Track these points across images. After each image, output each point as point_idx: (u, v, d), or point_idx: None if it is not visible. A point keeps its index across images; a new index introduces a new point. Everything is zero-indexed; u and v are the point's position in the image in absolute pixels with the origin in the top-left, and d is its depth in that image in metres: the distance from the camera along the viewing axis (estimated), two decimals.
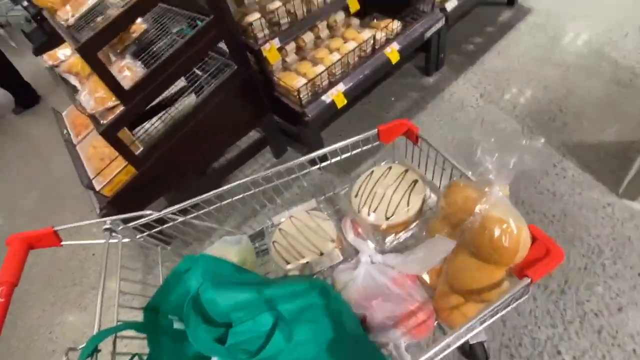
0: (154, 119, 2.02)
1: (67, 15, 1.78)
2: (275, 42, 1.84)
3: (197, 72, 2.00)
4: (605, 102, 2.11)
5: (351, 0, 2.03)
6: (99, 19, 1.87)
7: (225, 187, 1.04)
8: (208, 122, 1.91)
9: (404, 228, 1.00)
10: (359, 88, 2.06)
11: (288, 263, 1.05)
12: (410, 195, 0.99)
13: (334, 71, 1.97)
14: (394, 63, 2.14)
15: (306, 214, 1.15)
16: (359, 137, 1.03)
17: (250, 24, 1.73)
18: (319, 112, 1.94)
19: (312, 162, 1.08)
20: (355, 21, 2.25)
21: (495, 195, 0.75)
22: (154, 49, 1.88)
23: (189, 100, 2.07)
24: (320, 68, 1.93)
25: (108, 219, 1.00)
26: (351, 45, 2.03)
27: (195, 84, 1.95)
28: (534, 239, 0.72)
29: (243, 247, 1.07)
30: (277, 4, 1.81)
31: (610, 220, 1.58)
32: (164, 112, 1.99)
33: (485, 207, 0.74)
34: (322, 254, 1.03)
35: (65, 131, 2.34)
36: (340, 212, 1.22)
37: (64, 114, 2.42)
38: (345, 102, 1.99)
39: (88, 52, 1.37)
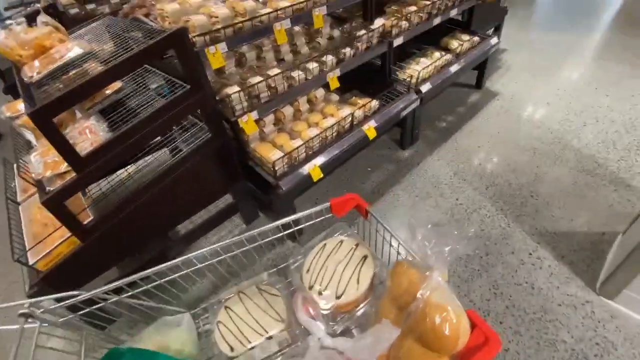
0: (113, 176, 1.86)
1: (32, 71, 1.68)
2: (254, 115, 1.80)
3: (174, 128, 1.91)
4: (573, 191, 2.17)
5: (332, 80, 2.08)
6: (71, 72, 1.76)
7: (168, 263, 0.96)
8: (176, 186, 1.78)
9: (355, 306, 0.97)
10: (335, 162, 2.03)
11: (232, 349, 0.94)
12: (360, 272, 0.98)
13: (311, 145, 1.94)
14: (371, 139, 2.15)
15: (256, 290, 1.08)
16: (312, 210, 1.03)
17: (229, 95, 1.70)
18: (294, 185, 1.86)
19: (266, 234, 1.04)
20: (335, 97, 2.30)
21: (435, 280, 0.78)
22: (127, 108, 1.79)
23: (162, 156, 1.95)
24: (298, 142, 1.90)
25: (26, 302, 0.82)
26: (330, 121, 2.03)
27: (167, 141, 1.85)
28: (473, 326, 0.75)
29: (184, 330, 0.96)
30: (258, 78, 1.81)
31: (591, 321, 1.51)
32: (123, 169, 1.85)
33: (426, 293, 0.76)
34: (270, 337, 0.95)
35: (13, 184, 2.11)
36: (291, 286, 1.14)
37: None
38: (322, 175, 1.93)
39: (40, 119, 1.25)
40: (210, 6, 1.75)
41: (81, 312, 0.94)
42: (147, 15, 1.96)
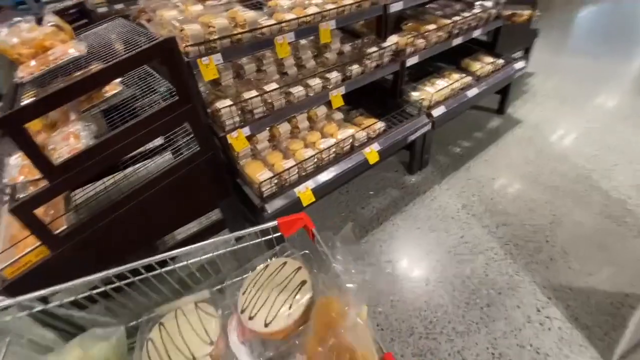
0: (98, 183, 1.81)
1: (24, 72, 1.66)
2: (245, 131, 1.70)
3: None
4: (595, 240, 1.93)
5: (334, 98, 1.96)
6: (77, 73, 1.72)
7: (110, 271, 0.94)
8: (159, 198, 1.70)
9: (285, 335, 0.92)
10: (330, 186, 1.89)
11: None
12: (294, 299, 0.93)
13: (305, 166, 1.82)
14: (371, 163, 2.00)
15: (193, 307, 1.02)
16: (259, 227, 0.99)
17: (219, 110, 1.61)
18: (281, 209, 1.73)
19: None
20: (338, 115, 2.16)
21: (352, 318, 0.76)
22: (130, 110, 1.74)
23: (151, 165, 1.89)
24: (290, 162, 1.77)
25: None
26: (329, 142, 1.90)
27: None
28: None
29: (111, 344, 0.91)
30: (253, 93, 1.71)
31: None
32: (110, 176, 1.79)
33: (341, 332, 0.74)
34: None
35: None
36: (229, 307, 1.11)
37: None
38: (313, 199, 1.80)
39: (9, 126, 1.19)
40: (211, 15, 1.67)
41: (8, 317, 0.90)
42: (149, 20, 1.91)
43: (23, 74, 1.64)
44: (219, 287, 1.11)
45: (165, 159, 1.95)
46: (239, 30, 1.65)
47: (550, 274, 1.78)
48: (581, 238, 1.95)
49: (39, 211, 1.61)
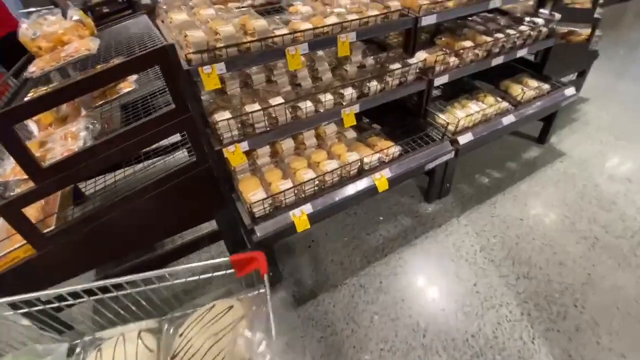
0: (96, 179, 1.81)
1: (36, 66, 1.66)
2: (243, 145, 1.60)
3: None
4: (636, 313, 1.63)
5: (347, 116, 1.80)
6: (99, 66, 1.72)
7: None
8: (153, 205, 1.66)
9: None
10: (330, 212, 1.74)
11: None
12: (225, 356, 0.87)
13: (304, 188, 1.68)
14: (380, 191, 1.83)
15: (136, 336, 0.99)
16: (210, 262, 0.93)
17: (216, 122, 1.52)
18: (272, 233, 1.61)
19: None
20: (351, 134, 2.00)
21: None
22: (148, 106, 1.73)
23: (151, 168, 1.86)
24: (288, 183, 1.65)
25: None
26: (333, 164, 1.75)
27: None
28: None
29: None
30: (255, 106, 1.59)
31: None
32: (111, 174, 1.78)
33: None
34: None
35: None
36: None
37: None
38: (308, 227, 1.66)
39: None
40: (221, 21, 1.58)
41: None
42: (163, 21, 1.86)
43: (34, 68, 1.64)
44: (166, 317, 1.08)
45: (176, 158, 1.93)
46: (249, 38, 1.55)
47: (572, 346, 1.52)
48: (618, 307, 1.65)
49: (36, 206, 1.62)
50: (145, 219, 1.70)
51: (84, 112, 1.88)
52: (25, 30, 1.83)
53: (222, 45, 1.48)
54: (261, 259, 0.94)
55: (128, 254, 1.92)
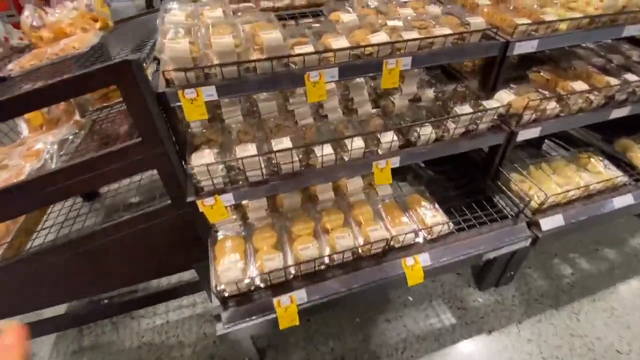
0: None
1: (19, 63, 1.40)
2: (227, 198, 1.17)
3: None
4: None
5: (380, 173, 1.29)
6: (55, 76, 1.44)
7: None
8: (118, 248, 1.34)
9: None
10: (334, 305, 1.26)
11: None
12: None
13: (300, 268, 1.22)
14: (410, 285, 1.29)
15: None
16: None
17: (192, 167, 1.11)
18: (247, 327, 1.18)
19: None
20: (386, 189, 1.48)
21: None
22: None
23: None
24: (278, 260, 1.19)
25: None
26: (347, 240, 1.25)
27: None
28: None
29: None
30: (248, 150, 1.15)
31: None
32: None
33: None
34: None
35: None
36: None
37: None
38: (296, 323, 1.20)
39: None
40: (225, 26, 1.16)
41: None
42: None
43: (14, 66, 1.39)
44: None
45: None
46: (257, 55, 1.11)
47: None
48: None
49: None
50: (108, 261, 1.38)
51: (77, 116, 1.62)
52: (26, 19, 1.60)
53: (212, 63, 1.06)
54: None
55: (83, 297, 1.64)
